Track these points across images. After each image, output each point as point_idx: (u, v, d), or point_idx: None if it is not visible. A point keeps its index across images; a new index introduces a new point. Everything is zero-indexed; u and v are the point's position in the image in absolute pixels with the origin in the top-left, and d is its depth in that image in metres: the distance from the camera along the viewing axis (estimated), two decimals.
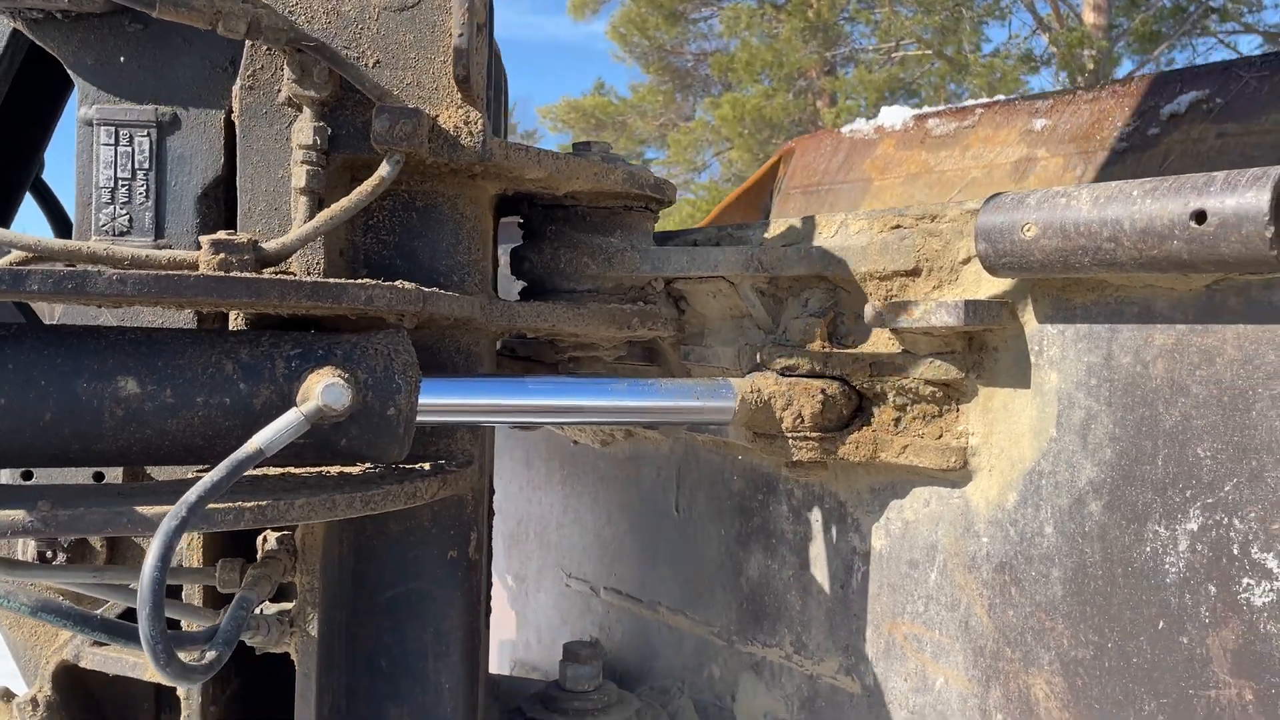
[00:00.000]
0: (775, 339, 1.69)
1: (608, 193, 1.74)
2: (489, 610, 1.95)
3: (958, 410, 1.49)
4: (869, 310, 1.48)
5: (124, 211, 1.66)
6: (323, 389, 1.25)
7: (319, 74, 1.42)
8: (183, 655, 1.12)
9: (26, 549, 1.85)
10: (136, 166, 1.64)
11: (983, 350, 1.46)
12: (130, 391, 1.25)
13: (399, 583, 1.65)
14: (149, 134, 1.63)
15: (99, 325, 1.59)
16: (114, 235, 1.66)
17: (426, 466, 1.56)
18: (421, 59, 1.48)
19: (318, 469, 1.48)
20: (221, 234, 1.34)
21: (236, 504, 1.23)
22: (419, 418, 1.42)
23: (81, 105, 1.68)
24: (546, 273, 1.80)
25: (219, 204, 1.68)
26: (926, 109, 3.76)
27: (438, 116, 1.48)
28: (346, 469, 1.49)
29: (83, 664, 1.92)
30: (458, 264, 1.66)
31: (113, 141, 1.65)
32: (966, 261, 1.44)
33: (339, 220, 1.41)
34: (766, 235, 1.73)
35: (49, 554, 1.86)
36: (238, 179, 1.55)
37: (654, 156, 23.95)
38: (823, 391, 1.55)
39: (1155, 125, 2.95)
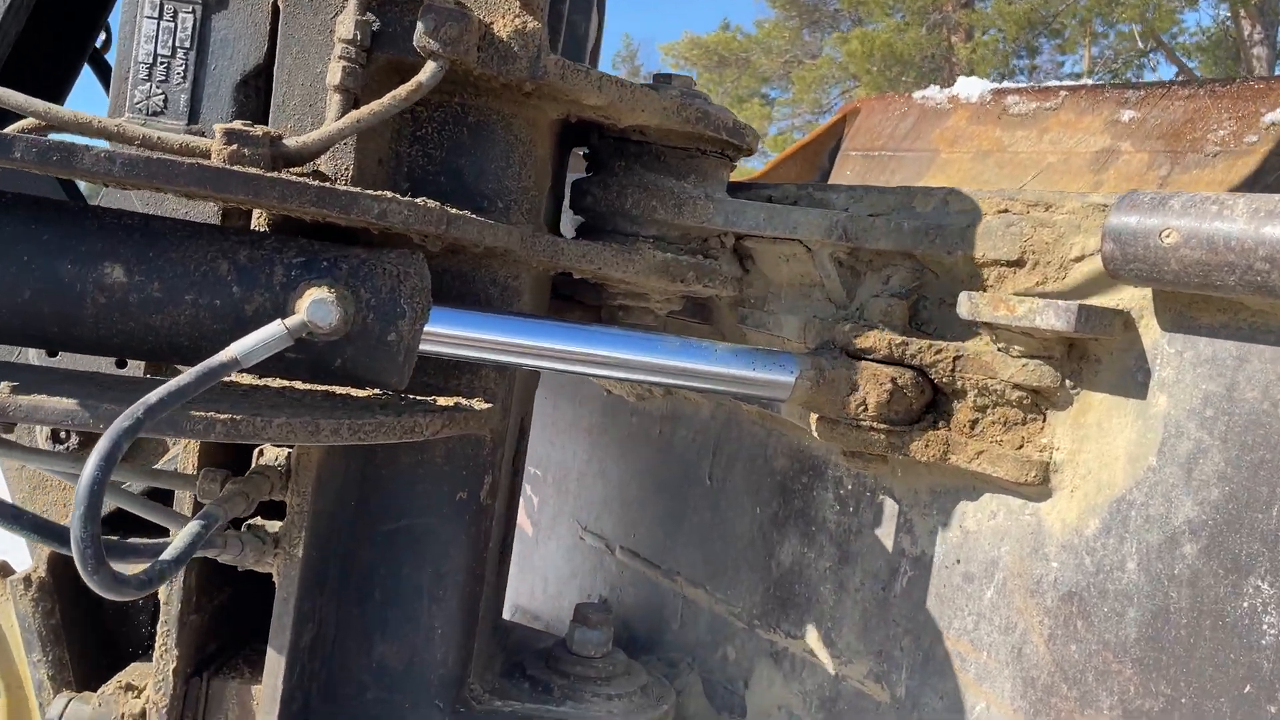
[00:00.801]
0: (848, 315, 1.55)
1: (680, 132, 1.59)
2: (506, 558, 1.86)
3: (1044, 420, 1.36)
4: (964, 300, 1.34)
5: (160, 91, 1.52)
6: (310, 304, 1.16)
7: None
8: (135, 566, 1.06)
9: (41, 431, 1.76)
10: (177, 44, 1.50)
11: (1083, 359, 1.32)
12: (115, 279, 1.18)
13: (403, 516, 1.59)
14: (194, 11, 1.49)
15: (96, 206, 1.49)
16: (146, 114, 1.52)
17: (440, 401, 1.46)
18: None
19: (324, 387, 1.39)
20: (238, 124, 1.24)
21: (208, 414, 1.14)
22: (428, 347, 1.34)
23: None
24: (609, 211, 1.66)
25: (258, 94, 1.54)
26: (1007, 84, 3.56)
27: (492, 23, 1.34)
28: (354, 391, 1.39)
29: None
30: (505, 189, 1.54)
31: (156, 15, 1.50)
32: (1080, 260, 1.30)
33: (366, 124, 1.29)
34: (852, 200, 1.58)
35: (63, 436, 1.77)
36: (275, 69, 1.43)
37: (777, 95, 23.30)
38: (893, 380, 1.41)
39: (1254, 133, 2.77)
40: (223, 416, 1.16)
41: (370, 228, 1.32)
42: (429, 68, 1.29)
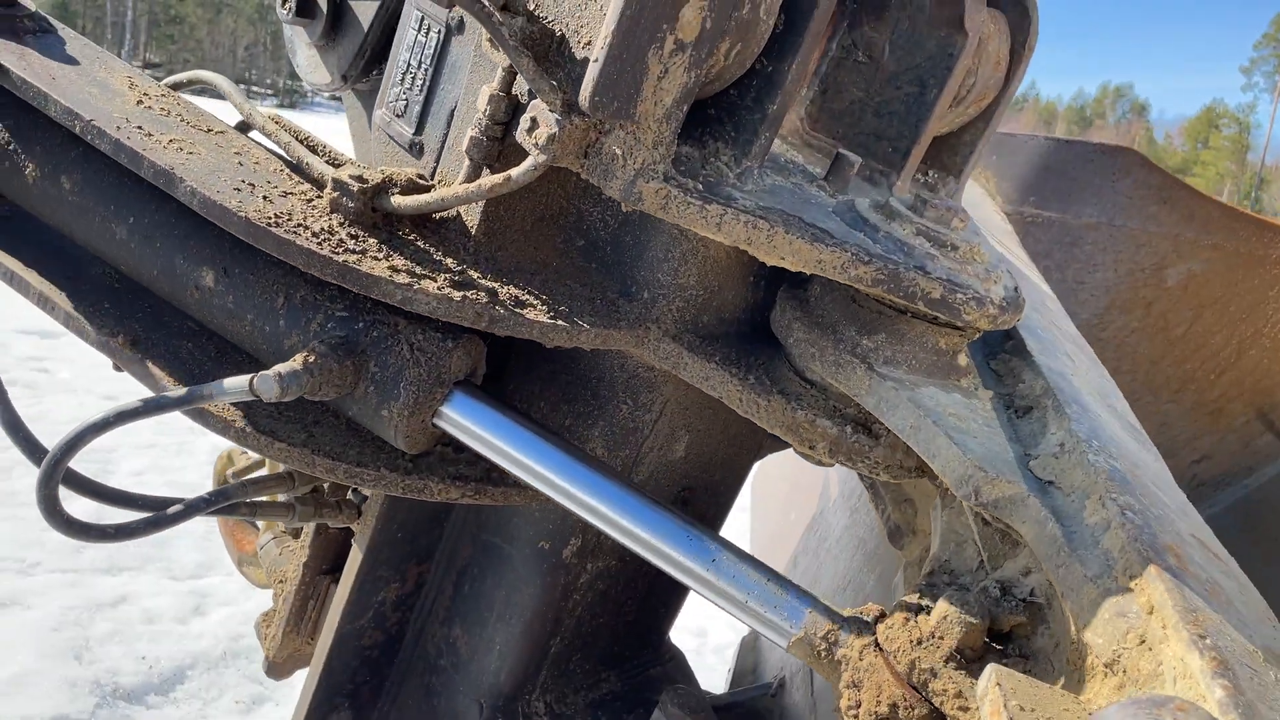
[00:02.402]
0: (955, 589, 1.19)
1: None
2: (605, 616, 1.82)
3: None
4: None
5: (404, 96, 1.59)
6: (273, 371, 1.21)
7: (511, 30, 1.17)
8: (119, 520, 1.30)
9: None
10: (423, 58, 1.55)
11: None
12: (206, 283, 1.35)
13: (499, 535, 1.69)
14: (439, 32, 1.52)
15: None
16: (393, 115, 1.62)
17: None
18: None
19: None
20: (350, 169, 1.29)
21: (242, 425, 1.30)
22: (448, 429, 1.32)
23: None
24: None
25: None
26: None
27: (607, 134, 1.17)
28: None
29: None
30: (655, 280, 1.40)
31: (416, 26, 1.56)
32: None
33: (450, 204, 1.27)
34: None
35: None
36: (455, 113, 1.42)
37: None
38: (893, 708, 1.07)
39: None
40: (246, 428, 1.31)
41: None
42: (525, 164, 1.20)
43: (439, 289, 1.21)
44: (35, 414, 4.64)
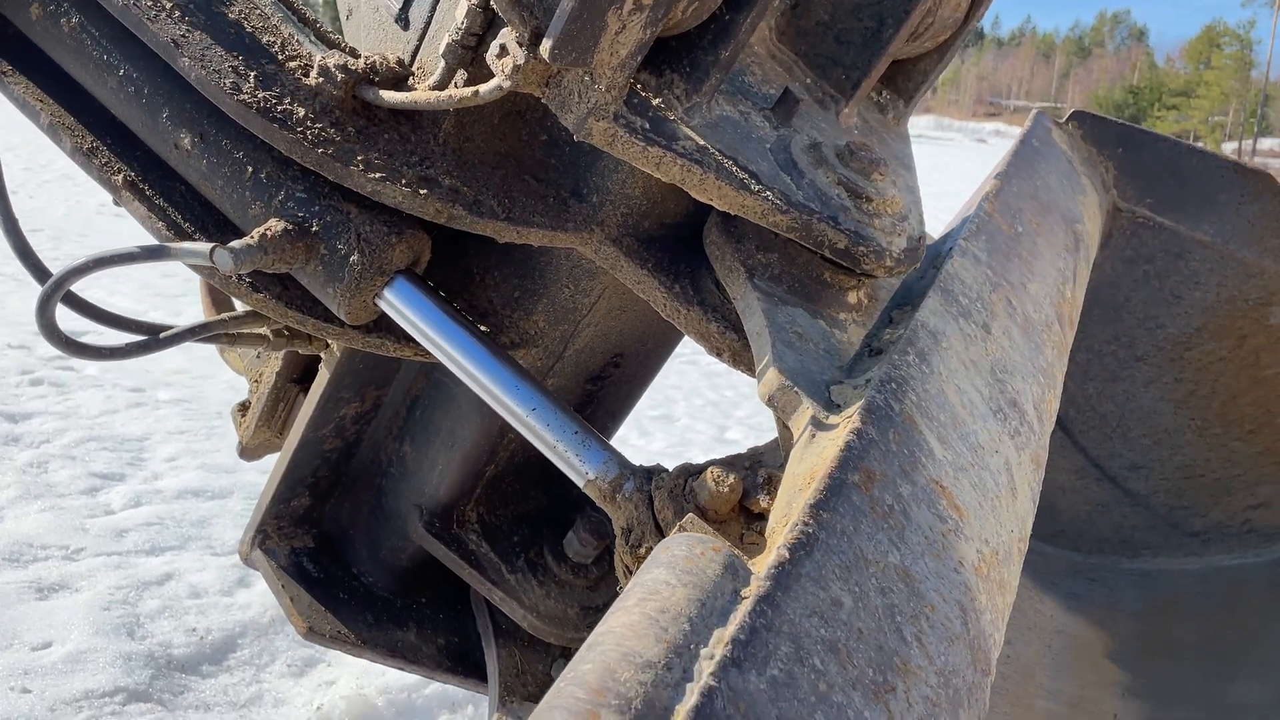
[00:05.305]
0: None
1: None
2: (533, 450, 1.98)
3: None
4: None
5: None
6: (229, 247, 1.31)
7: None
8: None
9: None
10: None
11: None
12: (184, 145, 1.44)
13: (447, 375, 1.84)
14: None
15: None
16: None
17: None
18: None
19: None
20: (336, 56, 1.35)
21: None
22: (388, 310, 1.43)
23: None
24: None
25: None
26: None
27: (566, 71, 1.23)
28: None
29: None
30: (605, 187, 1.50)
31: None
32: None
33: (424, 106, 1.33)
34: None
35: None
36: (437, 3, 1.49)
37: None
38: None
39: None
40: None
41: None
42: (490, 84, 1.26)
43: (405, 185, 1.32)
44: (67, 409, 4.81)
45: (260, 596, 3.50)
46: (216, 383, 5.42)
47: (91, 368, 5.32)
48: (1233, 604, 2.87)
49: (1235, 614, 2.84)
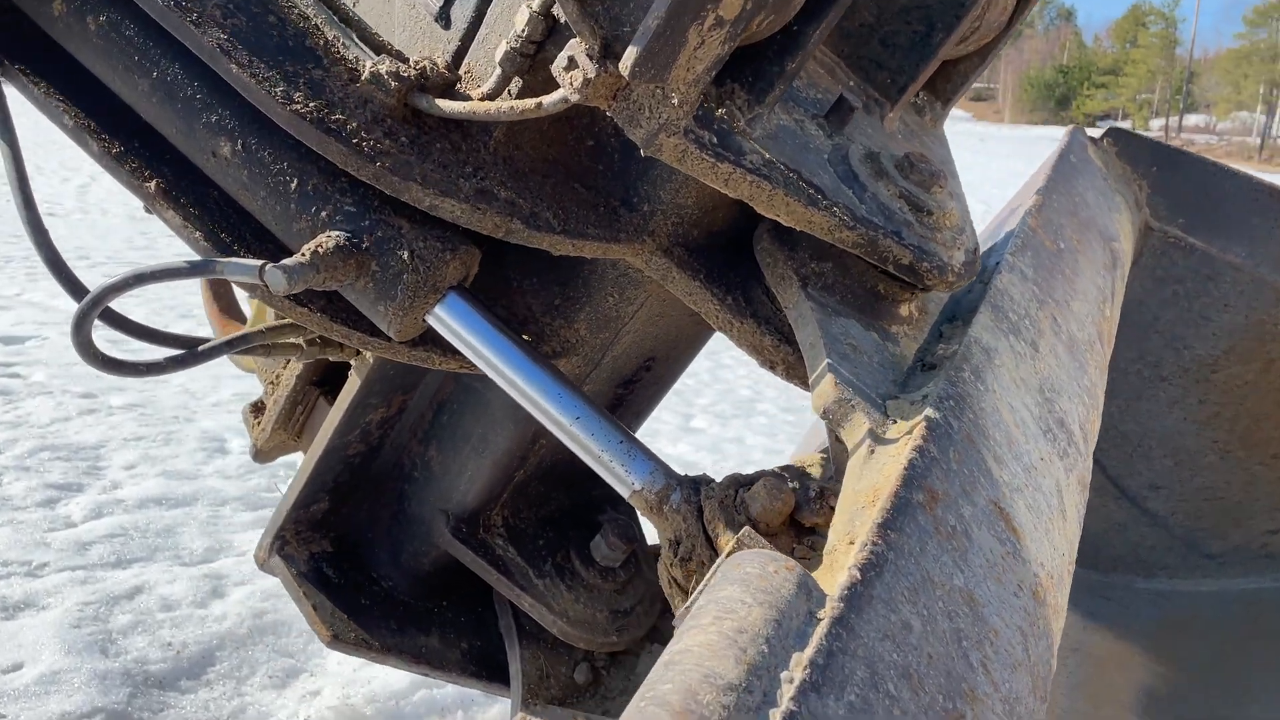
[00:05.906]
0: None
1: None
2: (565, 453, 1.95)
3: None
4: None
5: None
6: (284, 262, 1.25)
7: None
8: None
9: None
10: None
11: None
12: (223, 153, 1.37)
13: (479, 380, 1.81)
14: None
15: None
16: None
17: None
18: None
19: None
20: (388, 63, 1.30)
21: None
22: (433, 324, 1.39)
23: None
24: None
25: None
26: None
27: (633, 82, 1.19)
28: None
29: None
30: (655, 196, 1.47)
31: None
32: None
33: (481, 117, 1.27)
34: None
35: None
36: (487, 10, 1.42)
37: None
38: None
39: None
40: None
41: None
42: (554, 96, 1.22)
43: (463, 199, 1.28)
44: (16, 418, 4.60)
45: (235, 607, 3.39)
46: (170, 387, 5.23)
47: (39, 373, 5.13)
48: (1247, 627, 2.86)
49: (1250, 637, 2.83)
